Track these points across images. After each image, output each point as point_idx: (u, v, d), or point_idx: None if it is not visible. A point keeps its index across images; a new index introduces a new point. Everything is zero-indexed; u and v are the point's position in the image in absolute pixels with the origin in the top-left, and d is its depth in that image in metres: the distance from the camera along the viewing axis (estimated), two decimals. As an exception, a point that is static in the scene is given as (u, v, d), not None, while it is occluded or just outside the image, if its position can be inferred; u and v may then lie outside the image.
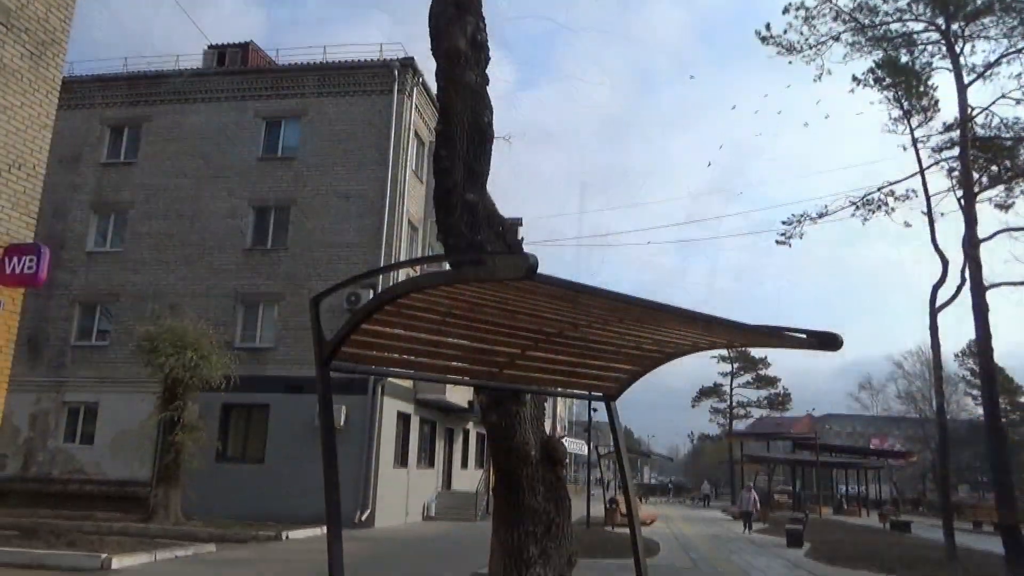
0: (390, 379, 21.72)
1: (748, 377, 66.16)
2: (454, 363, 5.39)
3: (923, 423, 55.23)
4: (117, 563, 11.59)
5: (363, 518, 20.26)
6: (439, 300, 4.17)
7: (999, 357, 15.93)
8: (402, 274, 13.52)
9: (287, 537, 16.68)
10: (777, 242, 22.26)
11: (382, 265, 19.75)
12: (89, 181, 24.53)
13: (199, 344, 18.18)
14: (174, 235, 23.43)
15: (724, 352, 65.20)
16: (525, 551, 6.02)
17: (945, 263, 19.14)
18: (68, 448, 22.52)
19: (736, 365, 65.69)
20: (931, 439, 48.60)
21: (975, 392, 57.79)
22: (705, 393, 67.67)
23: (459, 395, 25.61)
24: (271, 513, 19.51)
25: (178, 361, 17.71)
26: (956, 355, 59.46)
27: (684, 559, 15.90)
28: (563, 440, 7.00)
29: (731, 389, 65.95)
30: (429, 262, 6.26)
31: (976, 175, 19.15)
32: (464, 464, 31.02)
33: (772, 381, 65.82)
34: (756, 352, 65.80)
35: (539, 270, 3.09)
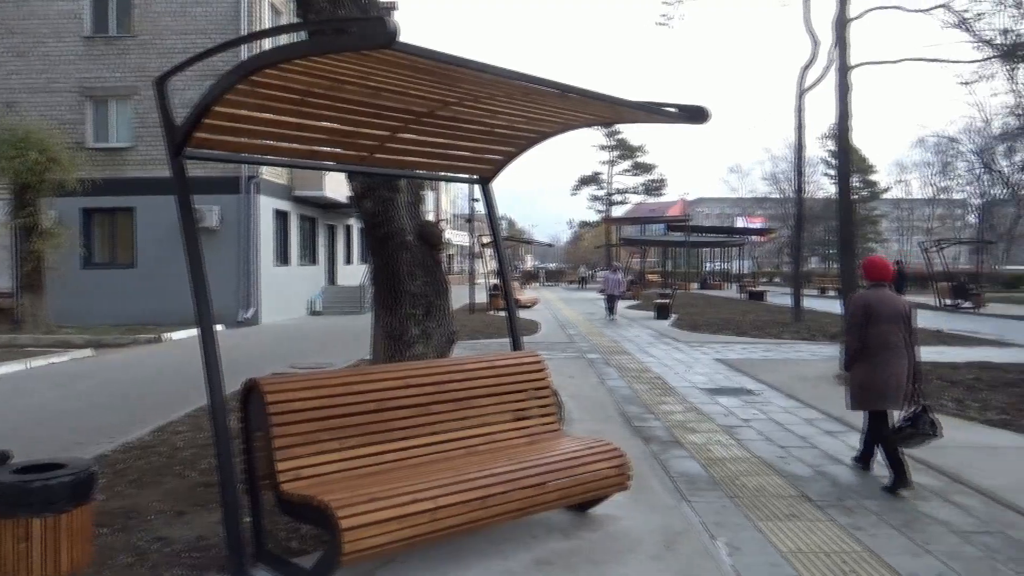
0: (265, 176, 20.92)
1: (626, 164, 67.70)
2: (321, 148, 5.16)
3: (784, 202, 59.00)
4: (-12, 373, 11.23)
5: (248, 316, 20.28)
6: (296, 77, 3.88)
7: (857, 140, 16.90)
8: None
9: (168, 338, 16.55)
10: (657, 24, 21.94)
11: (244, 52, 18.24)
12: None
13: (45, 144, 16.67)
14: (-4, 20, 20.59)
15: (604, 140, 66.18)
16: (406, 333, 6.20)
17: (816, 43, 19.59)
18: (-87, 262, 20.88)
19: (615, 153, 66.86)
20: (790, 216, 52.24)
21: (832, 172, 61.83)
22: (585, 181, 69.05)
23: (338, 190, 25.04)
24: (150, 317, 19.19)
25: (22, 164, 16.27)
26: (817, 138, 62.64)
27: (562, 335, 16.97)
28: (441, 224, 6.99)
29: (610, 176, 67.55)
30: (284, 32, 5.63)
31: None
32: (348, 259, 31.10)
33: (649, 168, 67.72)
34: (634, 139, 67.14)
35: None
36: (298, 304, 24.24)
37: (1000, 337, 16.43)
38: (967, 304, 26.87)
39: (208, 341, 3.92)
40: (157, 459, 6.10)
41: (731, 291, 43.30)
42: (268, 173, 21.24)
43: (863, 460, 5.94)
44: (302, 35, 5.34)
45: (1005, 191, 49.53)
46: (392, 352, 6.16)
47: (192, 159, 4.48)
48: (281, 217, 23.00)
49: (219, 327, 18.12)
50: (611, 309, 22.31)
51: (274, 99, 4.13)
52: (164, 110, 4.30)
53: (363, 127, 4.88)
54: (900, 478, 5.31)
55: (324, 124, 4.77)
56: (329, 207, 26.73)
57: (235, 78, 3.72)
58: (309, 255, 26.12)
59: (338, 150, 5.25)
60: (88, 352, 14.05)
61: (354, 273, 30.31)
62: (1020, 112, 31.25)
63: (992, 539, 4.39)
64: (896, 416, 5.56)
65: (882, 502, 5.06)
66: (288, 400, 3.90)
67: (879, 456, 5.68)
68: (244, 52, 17.79)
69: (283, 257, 23.16)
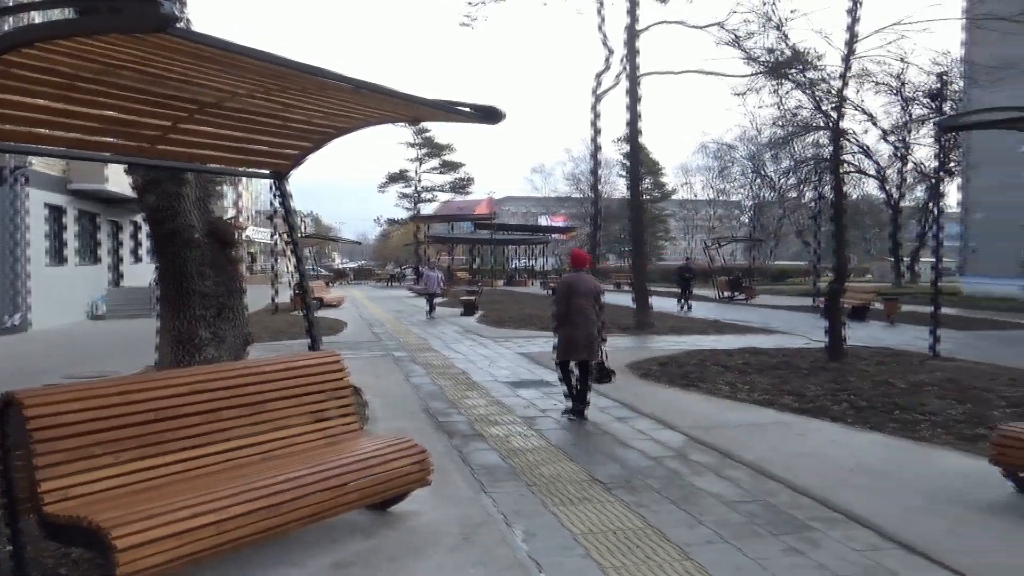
0: (35, 167, 18.87)
1: (435, 163, 67.96)
2: (95, 137, 4.74)
3: (584, 202, 62.05)
4: None
5: (15, 322, 18.18)
6: (61, 59, 3.55)
7: (650, 145, 18.18)
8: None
9: (-85, 349, 14.48)
10: (461, 24, 22.27)
11: (8, 24, 16.30)
12: None
13: None
14: None
15: (411, 138, 65.98)
16: (196, 336, 5.87)
17: (610, 52, 20.75)
18: None
19: (423, 151, 66.88)
20: (589, 215, 55.10)
21: (626, 174, 65.95)
22: (393, 179, 68.42)
23: (123, 183, 23.05)
24: None
25: None
26: (613, 141, 66.59)
27: (368, 333, 16.76)
28: (236, 221, 6.65)
29: (418, 174, 67.50)
30: (54, 7, 4.85)
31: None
32: (136, 258, 28.79)
33: (456, 166, 68.39)
34: (442, 138, 67.46)
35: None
36: (77, 307, 22.10)
37: (767, 325, 18.32)
38: (741, 296, 29.72)
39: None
40: None
41: (536, 287, 44.86)
42: (39, 163, 19.16)
43: (576, 413, 7.56)
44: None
45: (772, 194, 55.27)
46: (180, 357, 5.80)
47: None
48: (55, 212, 20.85)
49: (-21, 335, 16.10)
50: (431, 308, 22.34)
51: (36, 82, 3.75)
52: None
53: (143, 116, 4.55)
54: (580, 408, 7.55)
55: (97, 112, 4.39)
56: (114, 201, 24.57)
57: (-16, 56, 3.33)
58: (90, 254, 23.88)
59: (116, 140, 4.86)
60: None
61: (143, 273, 28.09)
62: (784, 123, 35.00)
63: (755, 507, 4.89)
64: (575, 368, 7.70)
65: (664, 480, 5.48)
66: (53, 414, 3.55)
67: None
68: (8, 24, 15.91)
69: (58, 256, 21.01)
